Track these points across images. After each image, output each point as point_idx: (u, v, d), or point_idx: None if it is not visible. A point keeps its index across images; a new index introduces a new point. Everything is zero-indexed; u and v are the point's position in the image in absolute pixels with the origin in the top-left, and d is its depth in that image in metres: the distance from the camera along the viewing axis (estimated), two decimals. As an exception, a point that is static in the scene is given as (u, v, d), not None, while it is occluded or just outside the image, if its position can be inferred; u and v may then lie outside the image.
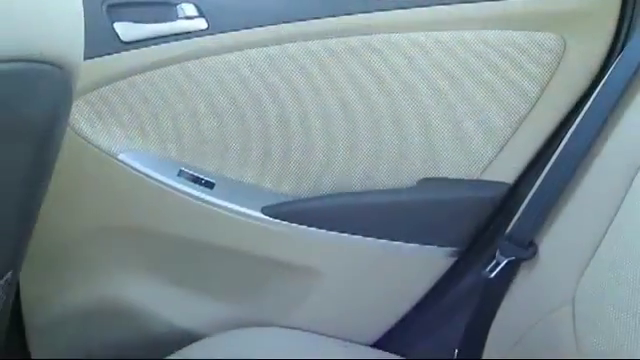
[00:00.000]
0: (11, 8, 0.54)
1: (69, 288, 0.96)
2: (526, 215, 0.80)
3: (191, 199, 0.89)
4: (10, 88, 0.55)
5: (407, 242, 0.90)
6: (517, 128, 0.86)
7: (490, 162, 0.88)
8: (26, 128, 0.62)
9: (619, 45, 0.84)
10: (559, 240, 0.77)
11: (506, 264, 0.79)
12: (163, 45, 0.83)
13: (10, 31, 0.54)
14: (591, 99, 0.78)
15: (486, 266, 0.82)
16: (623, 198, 0.67)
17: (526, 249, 0.78)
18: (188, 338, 0.92)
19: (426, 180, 0.89)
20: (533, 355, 0.74)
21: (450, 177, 0.89)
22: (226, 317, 0.97)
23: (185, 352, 0.86)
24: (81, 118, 0.84)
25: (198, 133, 0.89)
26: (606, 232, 0.67)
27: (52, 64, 0.60)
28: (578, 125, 0.78)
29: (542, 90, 0.85)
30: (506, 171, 0.88)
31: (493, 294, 0.82)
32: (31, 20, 0.57)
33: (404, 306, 0.96)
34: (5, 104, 0.57)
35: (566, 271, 0.71)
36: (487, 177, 0.89)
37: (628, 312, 0.61)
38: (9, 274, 0.70)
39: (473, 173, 0.89)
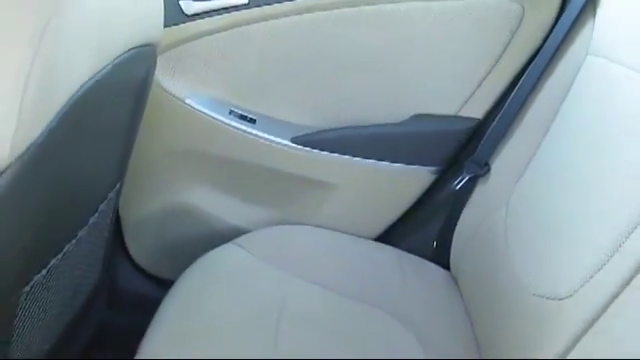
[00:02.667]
0: (126, 12, 0.66)
1: (151, 197, 1.07)
2: (486, 142, 0.94)
3: (238, 132, 0.98)
4: (126, 70, 0.69)
5: (401, 163, 1.01)
6: (486, 76, 0.96)
7: (465, 102, 0.98)
8: (130, 90, 0.77)
9: (564, 10, 0.90)
10: (503, 161, 0.91)
11: (467, 180, 0.94)
12: (216, 17, 0.92)
13: (124, 31, 0.66)
14: (539, 54, 0.89)
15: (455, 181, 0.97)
16: (549, 128, 0.81)
17: (482, 168, 0.93)
18: (236, 233, 1.00)
19: (417, 116, 1.00)
20: (481, 242, 0.88)
21: (435, 114, 0.99)
22: (264, 218, 1.07)
23: (237, 241, 0.96)
24: (159, 73, 0.93)
25: (244, 81, 0.97)
26: (534, 155, 0.82)
27: (147, 45, 0.74)
28: (527, 73, 0.89)
29: (505, 47, 0.93)
30: (477, 109, 0.99)
31: (458, 201, 0.97)
32: (134, 18, 0.69)
33: (398, 210, 1.07)
34: (124, 80, 0.71)
35: (504, 184, 0.87)
36: (462, 113, 0.99)
37: (542, 214, 0.77)
38: (118, 185, 0.86)
39: (452, 110, 0.99)
